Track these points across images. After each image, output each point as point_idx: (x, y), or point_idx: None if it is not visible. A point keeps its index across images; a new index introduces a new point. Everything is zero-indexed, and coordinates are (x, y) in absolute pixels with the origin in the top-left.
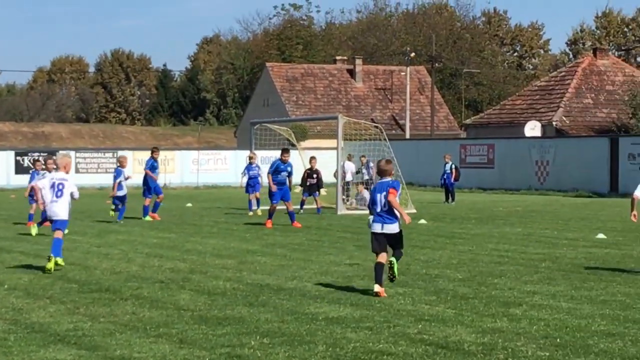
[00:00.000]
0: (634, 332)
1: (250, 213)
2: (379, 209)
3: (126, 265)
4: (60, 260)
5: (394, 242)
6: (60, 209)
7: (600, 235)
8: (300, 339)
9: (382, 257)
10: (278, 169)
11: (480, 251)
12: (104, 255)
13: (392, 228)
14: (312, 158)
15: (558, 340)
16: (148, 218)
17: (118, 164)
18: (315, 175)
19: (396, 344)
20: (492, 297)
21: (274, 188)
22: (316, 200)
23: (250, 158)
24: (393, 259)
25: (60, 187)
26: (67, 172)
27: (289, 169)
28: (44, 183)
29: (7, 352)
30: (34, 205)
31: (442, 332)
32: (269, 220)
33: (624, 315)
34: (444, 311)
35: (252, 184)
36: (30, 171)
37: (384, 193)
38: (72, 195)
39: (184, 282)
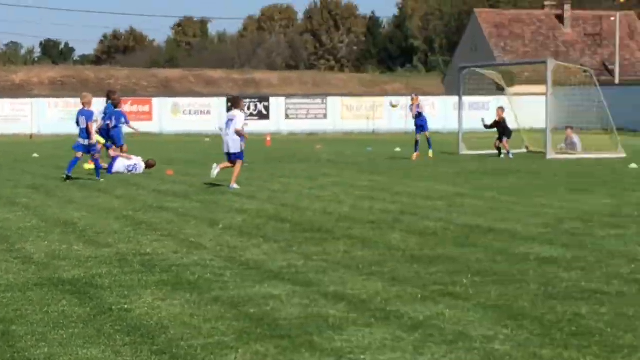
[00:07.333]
0: None
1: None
2: None
3: (337, 206)
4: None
5: None
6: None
7: None
8: (512, 277)
9: None
10: None
11: None
12: (315, 197)
13: None
14: (500, 109)
15: None
16: None
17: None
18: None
19: (609, 283)
20: None
21: None
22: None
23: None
24: None
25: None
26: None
27: None
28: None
29: (223, 287)
30: None
31: None
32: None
33: None
34: None
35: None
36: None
37: None
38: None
39: (395, 222)
